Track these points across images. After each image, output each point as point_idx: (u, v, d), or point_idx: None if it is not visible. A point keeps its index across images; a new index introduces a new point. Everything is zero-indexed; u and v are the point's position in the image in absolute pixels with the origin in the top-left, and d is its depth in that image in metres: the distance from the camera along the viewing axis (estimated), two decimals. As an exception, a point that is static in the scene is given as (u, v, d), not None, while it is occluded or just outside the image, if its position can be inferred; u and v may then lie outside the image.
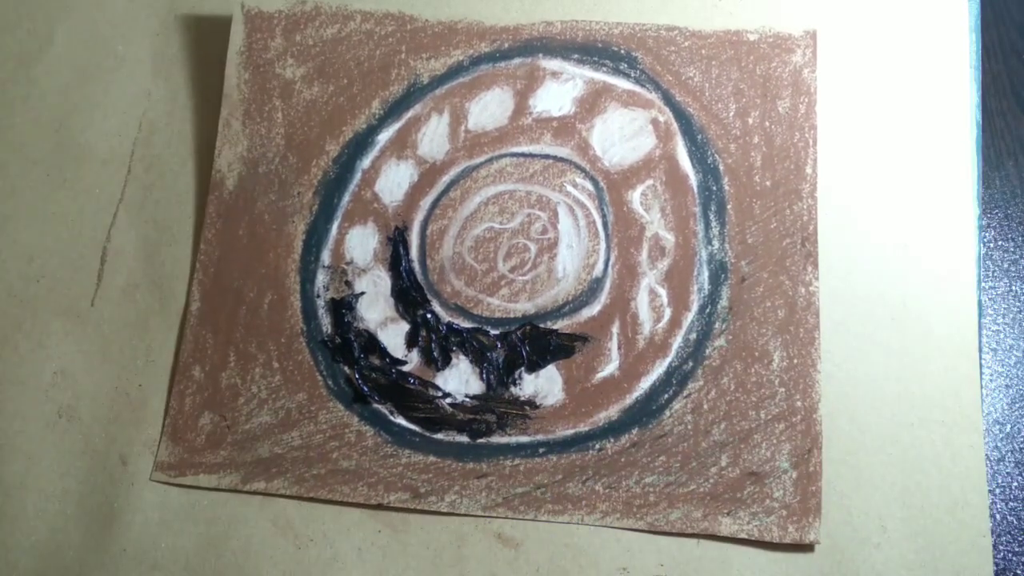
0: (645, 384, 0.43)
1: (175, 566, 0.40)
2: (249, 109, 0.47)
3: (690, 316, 0.44)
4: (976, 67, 0.46)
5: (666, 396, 0.42)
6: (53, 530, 0.41)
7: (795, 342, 0.43)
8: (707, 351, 0.43)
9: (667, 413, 0.42)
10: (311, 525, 0.41)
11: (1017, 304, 0.46)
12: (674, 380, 0.43)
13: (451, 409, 0.43)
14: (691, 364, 0.43)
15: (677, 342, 0.43)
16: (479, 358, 0.43)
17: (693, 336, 0.43)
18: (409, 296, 0.44)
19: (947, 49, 0.47)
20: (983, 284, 0.45)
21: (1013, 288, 0.46)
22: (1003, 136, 0.49)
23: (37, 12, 0.49)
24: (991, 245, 0.47)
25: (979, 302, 0.43)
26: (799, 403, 0.42)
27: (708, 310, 0.44)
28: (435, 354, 0.44)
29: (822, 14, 0.47)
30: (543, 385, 0.43)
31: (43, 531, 0.41)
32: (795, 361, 0.42)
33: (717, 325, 0.43)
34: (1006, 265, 0.47)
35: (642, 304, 0.44)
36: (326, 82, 0.47)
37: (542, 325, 0.44)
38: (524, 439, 0.42)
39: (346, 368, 0.43)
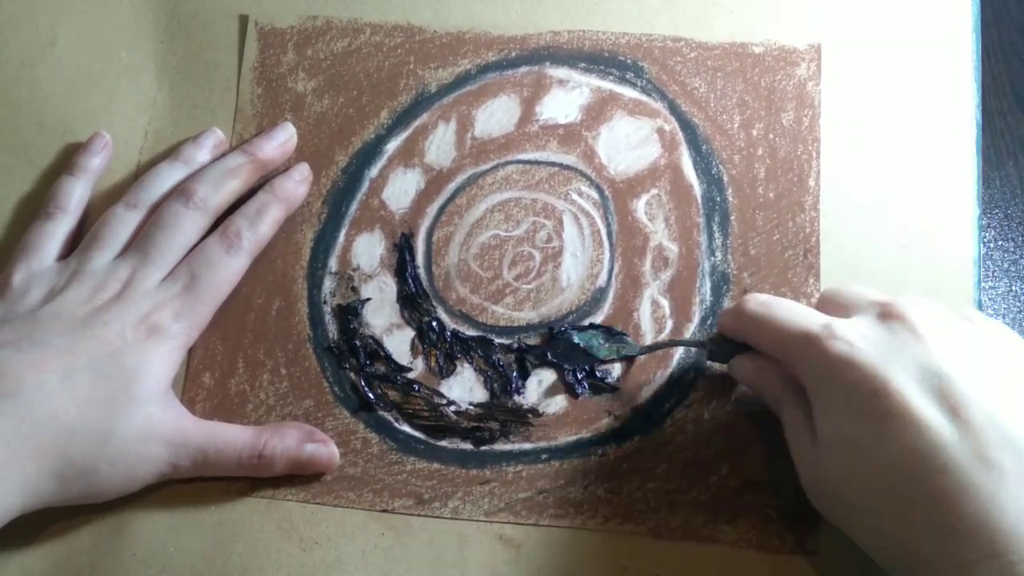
0: (647, 393, 0.43)
1: (183, 569, 0.41)
2: (262, 123, 0.47)
3: (692, 327, 0.44)
4: (976, 67, 0.46)
5: (667, 405, 0.43)
6: (65, 535, 0.41)
7: (796, 353, 0.43)
8: (707, 363, 0.43)
9: (668, 422, 0.43)
10: (315, 528, 0.41)
11: (1017, 304, 0.46)
12: (675, 390, 0.43)
13: (455, 416, 0.43)
14: (692, 375, 0.43)
15: (678, 353, 0.44)
16: (483, 366, 0.44)
17: (694, 348, 0.43)
18: (414, 302, 0.45)
19: (950, 62, 0.47)
20: (983, 284, 0.45)
21: (1013, 288, 0.46)
22: (1003, 136, 0.49)
23: (39, 11, 0.49)
24: (991, 245, 0.47)
25: (979, 302, 0.44)
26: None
27: (709, 322, 0.44)
28: (440, 361, 0.44)
29: (826, 27, 0.48)
30: (546, 393, 0.43)
31: (55, 536, 0.41)
32: (796, 372, 0.43)
33: (719, 336, 0.44)
34: (1006, 265, 0.47)
35: (644, 314, 0.44)
36: (336, 94, 0.48)
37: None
38: (527, 446, 0.43)
39: (352, 375, 0.44)
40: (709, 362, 0.43)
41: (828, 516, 0.37)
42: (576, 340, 0.43)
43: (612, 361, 0.43)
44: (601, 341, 0.43)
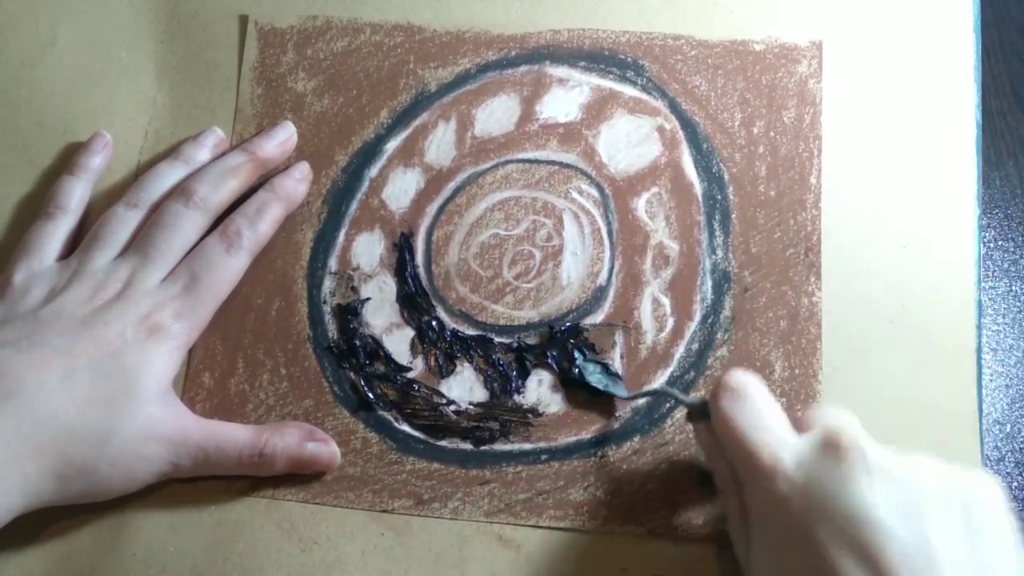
0: (647, 393, 0.43)
1: (183, 569, 0.41)
2: (262, 123, 0.47)
3: (693, 326, 0.44)
4: (976, 67, 0.46)
5: (668, 406, 0.43)
6: (65, 535, 0.41)
7: (796, 352, 0.43)
8: (709, 361, 0.43)
9: (668, 422, 0.42)
10: (315, 528, 0.41)
11: (1017, 304, 0.46)
12: (676, 390, 0.43)
13: (455, 416, 0.43)
14: (693, 374, 0.43)
15: (679, 352, 0.43)
16: (483, 365, 0.44)
17: (695, 346, 0.43)
18: (414, 302, 0.45)
19: (950, 62, 0.47)
20: (983, 284, 0.45)
21: (1013, 288, 0.46)
22: (1003, 136, 0.48)
23: (39, 11, 0.49)
24: (991, 245, 0.47)
25: (979, 302, 0.43)
26: (799, 414, 0.42)
27: (711, 320, 0.44)
28: (439, 361, 0.44)
29: (826, 28, 0.47)
30: (545, 393, 0.43)
31: (55, 536, 0.41)
32: (796, 371, 0.43)
33: (719, 335, 0.43)
34: (1006, 265, 0.47)
35: (645, 313, 0.44)
36: (336, 94, 0.48)
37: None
38: (527, 446, 0.42)
39: (351, 374, 0.44)
40: (710, 363, 0.43)
41: None
42: (578, 361, 0.43)
43: (600, 393, 0.43)
44: (598, 371, 0.43)
